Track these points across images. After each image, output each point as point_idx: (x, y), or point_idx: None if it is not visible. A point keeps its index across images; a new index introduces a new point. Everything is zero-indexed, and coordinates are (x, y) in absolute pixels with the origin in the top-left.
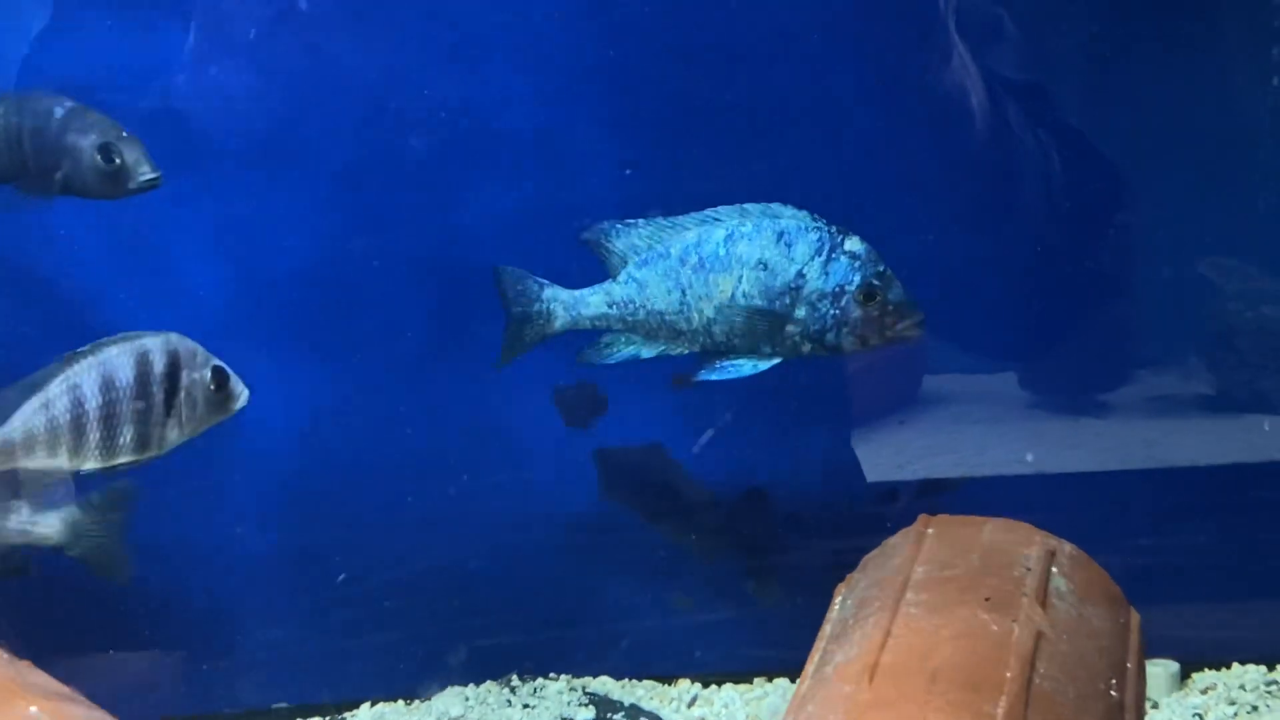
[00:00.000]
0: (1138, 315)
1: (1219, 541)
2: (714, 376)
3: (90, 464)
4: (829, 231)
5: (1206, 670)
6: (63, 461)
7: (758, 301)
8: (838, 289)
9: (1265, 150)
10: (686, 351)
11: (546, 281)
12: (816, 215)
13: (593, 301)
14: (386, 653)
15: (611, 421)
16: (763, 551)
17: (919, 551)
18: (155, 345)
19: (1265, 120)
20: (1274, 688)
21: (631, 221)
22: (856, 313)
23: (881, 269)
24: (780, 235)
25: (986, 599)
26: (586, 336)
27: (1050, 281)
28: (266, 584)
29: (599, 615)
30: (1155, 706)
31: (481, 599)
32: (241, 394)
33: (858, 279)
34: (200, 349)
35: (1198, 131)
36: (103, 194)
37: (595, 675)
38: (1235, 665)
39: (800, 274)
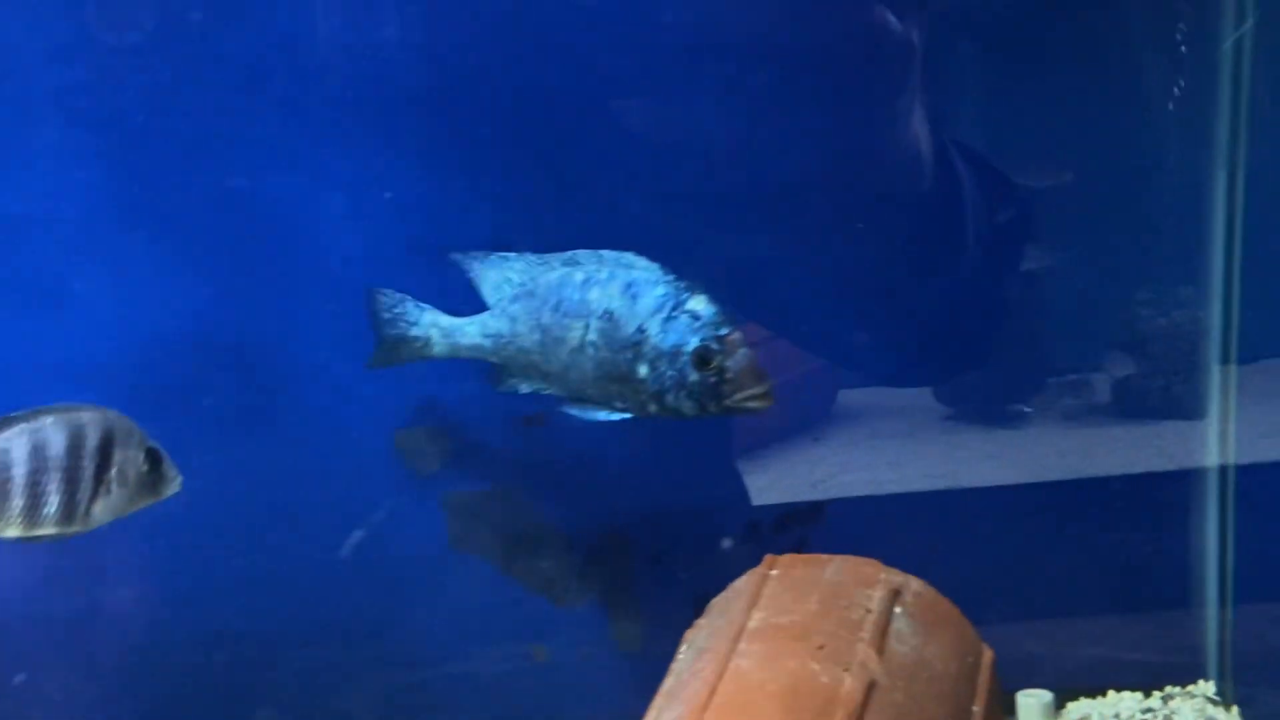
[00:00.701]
0: (1052, 325)
1: (1111, 556)
2: (574, 412)
3: (11, 531)
4: (676, 287)
5: (1081, 699)
6: None
7: (603, 353)
8: (674, 349)
9: (1174, 158)
10: (555, 393)
11: (427, 306)
12: (669, 269)
13: (469, 331)
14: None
15: (460, 465)
16: (627, 593)
17: (759, 596)
18: (91, 419)
19: (1173, 129)
20: (1150, 715)
21: (505, 255)
22: (693, 376)
23: (724, 333)
24: (629, 286)
25: (820, 647)
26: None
27: (965, 293)
28: (102, 647)
29: (452, 669)
30: None
31: (331, 655)
32: (175, 479)
33: (694, 341)
34: (138, 429)
35: (1107, 142)
36: None
37: None
38: (1111, 692)
39: (641, 329)
